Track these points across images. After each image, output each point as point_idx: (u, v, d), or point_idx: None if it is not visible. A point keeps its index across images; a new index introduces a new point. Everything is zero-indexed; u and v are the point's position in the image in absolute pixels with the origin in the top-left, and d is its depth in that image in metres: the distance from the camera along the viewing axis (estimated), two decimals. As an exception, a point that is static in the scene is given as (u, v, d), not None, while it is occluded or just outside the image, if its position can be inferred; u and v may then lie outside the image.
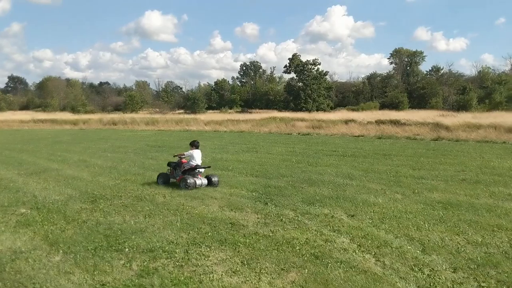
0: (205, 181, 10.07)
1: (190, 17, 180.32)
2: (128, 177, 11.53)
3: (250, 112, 65.51)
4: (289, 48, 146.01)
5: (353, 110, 63.09)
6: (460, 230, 6.41)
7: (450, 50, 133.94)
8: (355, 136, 27.75)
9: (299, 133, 31.29)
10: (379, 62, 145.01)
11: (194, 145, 10.61)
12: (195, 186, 9.79)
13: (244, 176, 11.74)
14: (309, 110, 65.44)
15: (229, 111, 74.34)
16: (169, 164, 10.91)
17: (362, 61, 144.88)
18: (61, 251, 5.70)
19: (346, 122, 34.51)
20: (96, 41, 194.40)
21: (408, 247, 5.70)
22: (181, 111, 77.40)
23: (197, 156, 10.43)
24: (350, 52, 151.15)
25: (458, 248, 5.67)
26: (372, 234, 6.25)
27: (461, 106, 56.81)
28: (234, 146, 21.25)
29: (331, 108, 73.03)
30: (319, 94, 74.96)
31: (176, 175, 10.40)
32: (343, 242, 5.96)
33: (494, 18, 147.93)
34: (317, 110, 66.92)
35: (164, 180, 10.51)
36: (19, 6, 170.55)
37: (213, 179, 10.17)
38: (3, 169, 13.36)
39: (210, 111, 75.80)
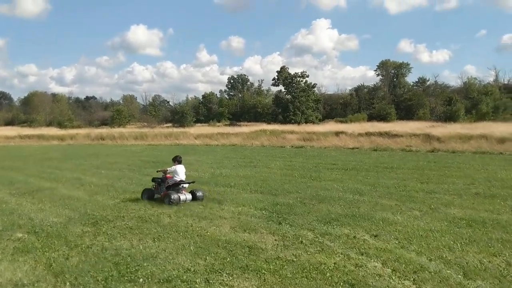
0: (189, 196, 10.02)
1: (176, 31, 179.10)
2: (127, 196, 10.99)
3: (239, 125, 65.04)
4: (275, 61, 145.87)
5: (341, 122, 63.14)
6: (496, 251, 6.03)
7: (434, 61, 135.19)
8: (350, 149, 27.55)
9: (292, 146, 30.99)
10: (364, 74, 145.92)
11: (176, 160, 10.68)
12: (179, 201, 9.70)
13: (248, 192, 11.29)
14: (298, 123, 65.35)
15: (218, 124, 73.66)
16: (153, 179, 10.85)
17: (348, 73, 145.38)
18: (68, 283, 5.18)
19: (337, 134, 34.43)
20: (81, 56, 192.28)
21: (447, 271, 5.28)
22: (169, 124, 76.65)
23: (180, 171, 10.41)
24: (335, 65, 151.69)
25: (501, 271, 5.28)
26: (404, 257, 5.82)
27: (449, 117, 57.30)
28: (230, 160, 20.77)
29: (320, 120, 73.09)
30: (308, 106, 74.94)
31: (160, 191, 10.38)
32: (375, 266, 5.52)
33: (475, 31, 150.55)
34: (305, 122, 66.85)
35: (149, 195, 10.47)
36: (3, 21, 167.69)
37: (197, 194, 10.13)
38: (-8, 188, 12.65)
39: (199, 124, 75.11)
